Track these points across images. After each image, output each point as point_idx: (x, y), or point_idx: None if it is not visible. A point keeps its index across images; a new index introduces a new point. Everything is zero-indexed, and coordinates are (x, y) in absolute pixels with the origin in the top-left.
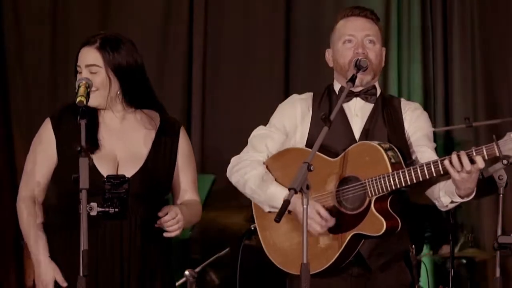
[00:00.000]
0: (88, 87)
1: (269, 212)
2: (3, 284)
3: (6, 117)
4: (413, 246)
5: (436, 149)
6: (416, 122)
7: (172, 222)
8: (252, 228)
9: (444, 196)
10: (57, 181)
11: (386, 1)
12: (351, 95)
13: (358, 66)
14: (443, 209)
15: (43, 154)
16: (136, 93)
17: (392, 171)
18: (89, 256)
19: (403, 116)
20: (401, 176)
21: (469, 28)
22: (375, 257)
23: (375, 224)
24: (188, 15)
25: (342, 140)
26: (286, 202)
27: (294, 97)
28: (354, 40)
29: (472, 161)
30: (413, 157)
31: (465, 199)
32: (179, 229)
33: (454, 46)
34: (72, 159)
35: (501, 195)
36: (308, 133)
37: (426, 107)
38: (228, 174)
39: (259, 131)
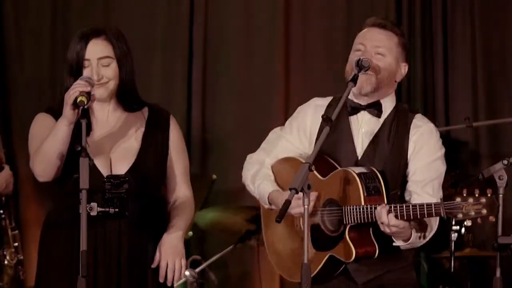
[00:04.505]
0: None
1: (270, 209)
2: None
3: (6, 117)
4: None
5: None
6: (420, 151)
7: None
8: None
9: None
10: (56, 180)
11: (386, 1)
12: (358, 108)
13: (360, 66)
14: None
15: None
16: (129, 86)
17: (366, 204)
18: (88, 255)
19: (409, 141)
20: (369, 211)
21: (469, 28)
22: (362, 273)
23: (346, 251)
24: (189, 16)
25: (344, 155)
26: (287, 202)
27: (311, 102)
28: (363, 49)
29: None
30: (405, 188)
31: (407, 243)
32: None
33: (454, 46)
34: (71, 158)
35: (501, 195)
36: (316, 140)
37: (426, 107)
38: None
39: (273, 134)
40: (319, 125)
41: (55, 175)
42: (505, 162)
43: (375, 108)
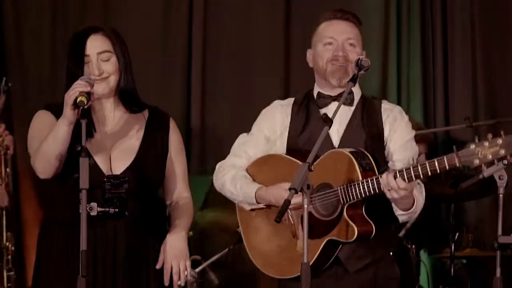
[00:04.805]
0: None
1: (251, 210)
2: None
3: (6, 117)
4: (413, 246)
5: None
6: (395, 132)
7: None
8: (239, 231)
9: (395, 210)
10: (56, 178)
11: (386, 2)
12: (328, 99)
13: (360, 66)
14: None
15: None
16: (129, 84)
17: (363, 178)
18: (88, 255)
19: (383, 123)
20: (370, 184)
21: (469, 28)
22: (353, 260)
23: (348, 231)
24: (188, 15)
25: (322, 148)
26: (287, 202)
27: (275, 104)
28: (334, 43)
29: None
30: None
31: (408, 212)
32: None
33: (454, 45)
34: (71, 158)
35: (501, 195)
36: (287, 140)
37: (426, 107)
38: (213, 180)
39: (240, 139)
40: (289, 124)
41: (56, 173)
42: (505, 162)
43: (347, 97)
